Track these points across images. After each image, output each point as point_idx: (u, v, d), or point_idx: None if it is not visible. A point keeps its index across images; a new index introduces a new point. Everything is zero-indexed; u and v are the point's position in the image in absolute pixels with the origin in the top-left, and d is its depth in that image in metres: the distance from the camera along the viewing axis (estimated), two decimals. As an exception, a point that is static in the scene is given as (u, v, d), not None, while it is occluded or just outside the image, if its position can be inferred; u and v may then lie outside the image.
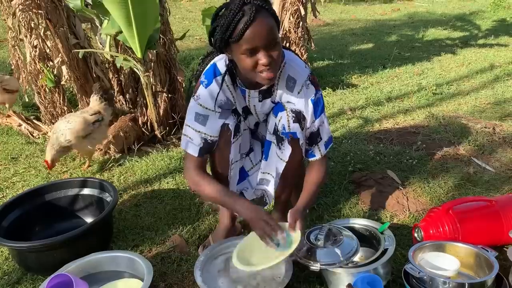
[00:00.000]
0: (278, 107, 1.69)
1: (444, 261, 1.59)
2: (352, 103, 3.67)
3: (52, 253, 1.76)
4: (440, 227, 1.74)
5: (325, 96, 3.87)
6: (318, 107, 1.66)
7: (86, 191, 2.13)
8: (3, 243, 1.74)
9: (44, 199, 2.09)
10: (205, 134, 1.64)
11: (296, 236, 1.53)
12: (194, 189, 1.71)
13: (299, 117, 1.64)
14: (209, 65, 1.63)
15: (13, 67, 3.16)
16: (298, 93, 1.64)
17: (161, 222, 2.12)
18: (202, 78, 1.62)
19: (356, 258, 1.65)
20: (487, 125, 2.99)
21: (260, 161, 1.87)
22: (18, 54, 3.07)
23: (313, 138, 1.71)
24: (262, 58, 1.43)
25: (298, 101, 1.64)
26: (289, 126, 1.64)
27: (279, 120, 1.66)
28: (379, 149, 2.71)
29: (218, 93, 1.60)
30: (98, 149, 2.82)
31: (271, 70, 1.46)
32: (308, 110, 1.65)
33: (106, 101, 2.70)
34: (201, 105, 1.61)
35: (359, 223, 1.85)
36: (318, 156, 1.74)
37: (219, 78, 1.60)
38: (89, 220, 2.12)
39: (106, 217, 1.88)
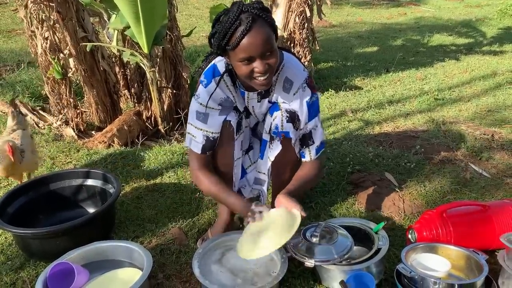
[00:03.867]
0: (274, 107, 1.73)
1: (436, 262, 1.64)
2: (354, 105, 3.71)
3: (55, 241, 1.80)
4: (434, 230, 1.78)
5: (327, 98, 3.91)
6: (313, 110, 1.70)
7: (89, 182, 2.17)
8: (7, 229, 1.78)
9: (49, 188, 2.14)
10: (206, 131, 1.68)
11: (295, 214, 1.56)
12: (196, 184, 1.76)
13: (293, 117, 1.68)
14: (209, 65, 1.67)
15: (32, 55, 3.22)
16: (294, 94, 1.67)
17: (162, 215, 2.17)
18: (202, 77, 1.67)
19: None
20: (486, 132, 3.02)
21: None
22: (36, 44, 3.12)
23: (305, 140, 1.75)
24: (258, 66, 1.47)
25: (293, 102, 1.68)
26: (282, 125, 1.67)
27: (274, 119, 1.70)
28: (378, 152, 2.75)
29: (213, 92, 1.64)
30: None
31: (266, 76, 1.50)
32: (302, 112, 1.68)
33: (21, 114, 2.59)
34: (201, 104, 1.66)
35: (355, 222, 1.90)
36: (308, 158, 1.78)
37: (218, 78, 1.65)
38: (91, 210, 2.17)
39: (109, 207, 1.92)
